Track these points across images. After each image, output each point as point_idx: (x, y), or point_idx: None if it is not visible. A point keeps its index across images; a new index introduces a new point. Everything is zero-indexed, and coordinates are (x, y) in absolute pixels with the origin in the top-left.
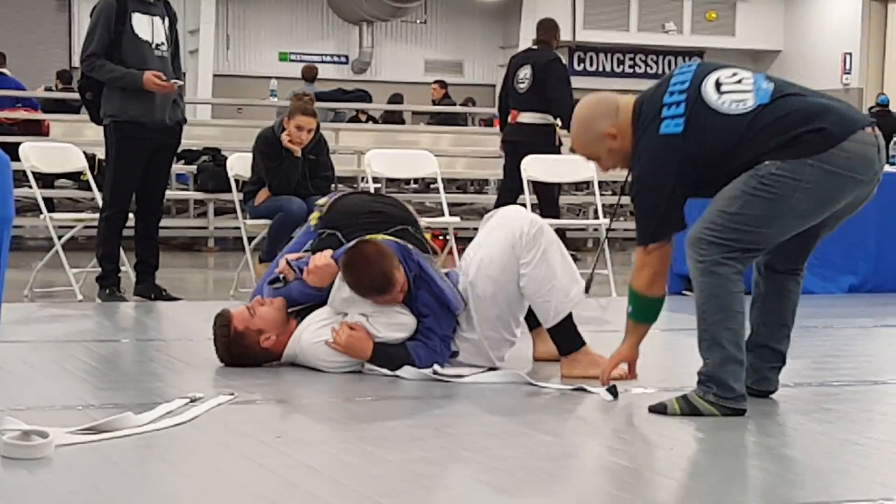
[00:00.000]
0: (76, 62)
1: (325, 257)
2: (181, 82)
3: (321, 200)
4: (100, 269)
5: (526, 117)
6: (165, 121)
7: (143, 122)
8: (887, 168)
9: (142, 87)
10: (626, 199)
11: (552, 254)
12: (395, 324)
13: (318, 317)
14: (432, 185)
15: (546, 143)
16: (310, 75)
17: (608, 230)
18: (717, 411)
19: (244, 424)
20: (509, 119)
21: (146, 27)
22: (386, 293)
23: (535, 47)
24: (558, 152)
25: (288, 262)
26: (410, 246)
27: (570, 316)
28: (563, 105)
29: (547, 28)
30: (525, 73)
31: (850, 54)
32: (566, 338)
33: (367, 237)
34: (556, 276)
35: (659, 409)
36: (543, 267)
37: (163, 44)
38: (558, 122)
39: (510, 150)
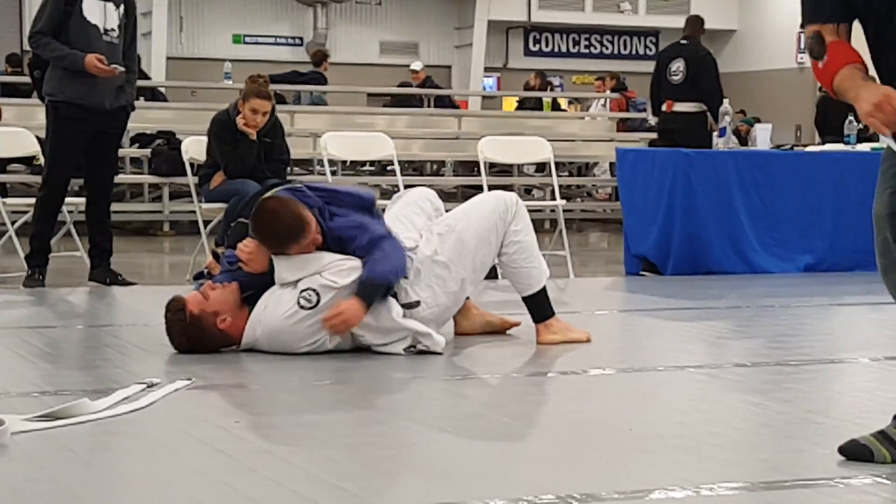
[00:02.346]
0: (27, 45)
1: (248, 244)
2: (122, 67)
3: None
4: (30, 248)
5: (680, 106)
6: (105, 105)
7: (80, 104)
8: (842, 147)
9: (83, 69)
10: (582, 181)
11: (531, 229)
12: (345, 269)
13: (272, 297)
14: (389, 168)
15: (699, 129)
16: (316, 59)
17: (565, 211)
18: None
19: (202, 410)
20: (664, 108)
21: (97, 12)
22: (302, 236)
23: (685, 42)
24: (710, 139)
25: (214, 254)
26: (304, 183)
27: (544, 286)
28: (714, 96)
29: (693, 24)
30: (678, 66)
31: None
32: (543, 306)
33: (267, 196)
34: (536, 247)
35: (859, 455)
36: (528, 237)
37: (113, 30)
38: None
39: (665, 136)
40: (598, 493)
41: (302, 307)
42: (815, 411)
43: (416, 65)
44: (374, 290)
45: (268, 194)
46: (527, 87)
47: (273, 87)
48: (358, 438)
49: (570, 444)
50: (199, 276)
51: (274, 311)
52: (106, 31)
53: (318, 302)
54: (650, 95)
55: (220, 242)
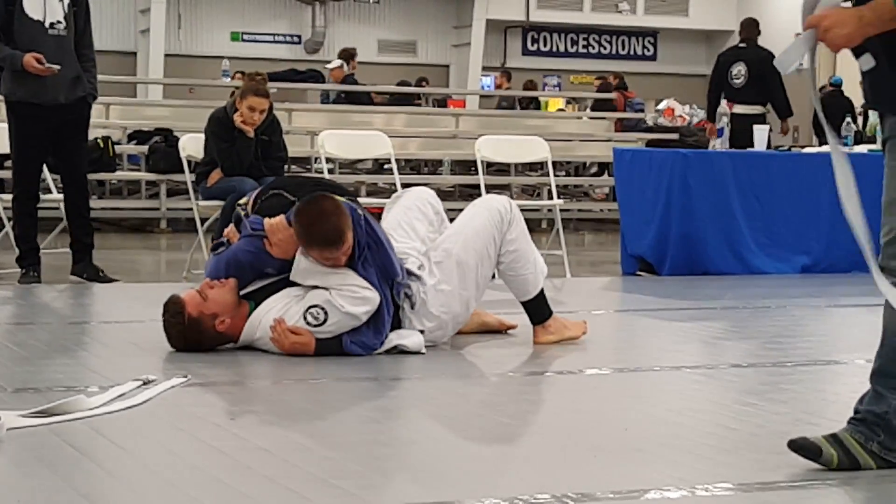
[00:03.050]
0: None
1: (283, 229)
2: (57, 67)
3: (242, 200)
4: (18, 251)
5: (741, 108)
6: (60, 99)
7: (34, 103)
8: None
9: (22, 69)
10: (580, 181)
11: (526, 233)
12: (358, 298)
13: (278, 304)
14: (385, 166)
15: (783, 130)
16: (343, 56)
17: (562, 211)
18: (874, 464)
19: (198, 407)
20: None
21: (37, 6)
22: (334, 247)
23: (743, 45)
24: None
25: (237, 223)
26: (364, 212)
27: (541, 289)
28: (779, 96)
29: (749, 27)
30: (739, 69)
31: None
32: (540, 308)
33: (325, 194)
34: (533, 251)
35: (807, 452)
36: (524, 243)
37: (59, 22)
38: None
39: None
40: (594, 492)
41: (308, 323)
42: (811, 412)
43: (335, 62)
44: (334, 352)
45: (332, 196)
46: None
47: (273, 84)
48: (355, 437)
49: (565, 443)
50: (217, 247)
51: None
52: (52, 24)
53: (325, 321)
54: (708, 99)
55: (217, 237)
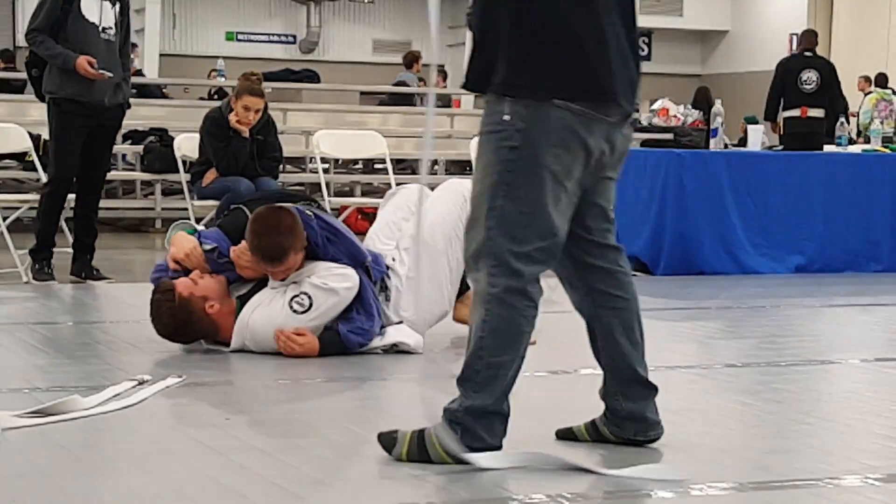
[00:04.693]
0: (21, 41)
1: (242, 246)
2: (110, 74)
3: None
4: (35, 242)
5: (814, 112)
6: (104, 102)
7: (80, 101)
8: (833, 149)
9: (74, 70)
10: None
11: None
12: (337, 274)
13: (261, 301)
14: (378, 166)
15: (822, 132)
16: (407, 61)
17: None
18: (449, 459)
19: (193, 407)
20: (798, 114)
21: (94, 9)
22: (272, 264)
23: (809, 54)
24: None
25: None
26: (315, 211)
27: None
28: (841, 102)
29: (810, 37)
30: (809, 75)
31: (797, 35)
32: None
33: (276, 204)
34: None
35: (386, 444)
36: None
37: (111, 28)
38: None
39: (797, 139)
40: (588, 492)
41: (295, 311)
42: (805, 412)
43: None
44: (337, 348)
45: (288, 210)
46: None
47: (268, 84)
48: (349, 436)
49: (559, 443)
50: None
51: (265, 317)
52: (104, 29)
53: (310, 306)
54: (769, 100)
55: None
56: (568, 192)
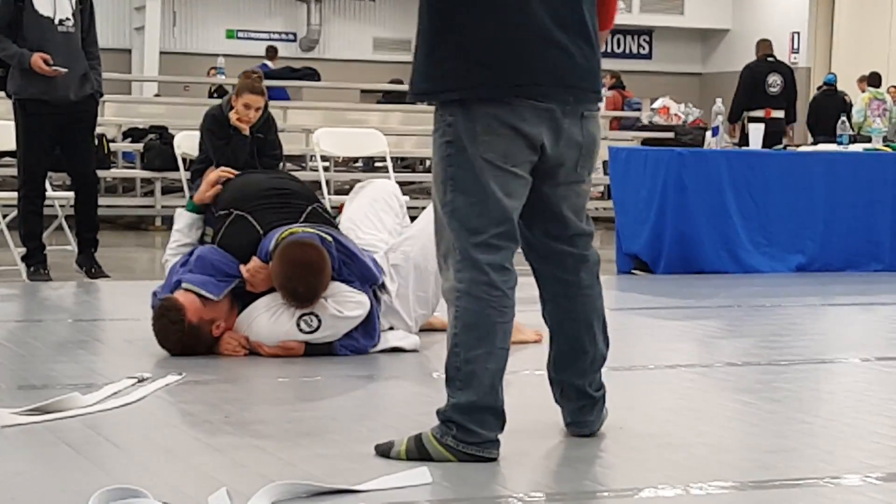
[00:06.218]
0: None
1: (258, 267)
2: (64, 69)
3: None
4: (24, 249)
5: (777, 114)
6: (70, 97)
7: (44, 100)
8: (833, 147)
9: (30, 68)
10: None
11: None
12: (353, 302)
13: (267, 305)
14: (378, 164)
15: (782, 132)
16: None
17: None
18: (453, 457)
19: (192, 405)
20: (762, 114)
21: (47, 3)
22: (301, 304)
23: (771, 59)
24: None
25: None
26: (331, 236)
27: None
28: (794, 106)
29: (767, 45)
30: (775, 79)
31: (798, 33)
32: None
33: (301, 238)
34: None
35: (383, 451)
36: None
37: (68, 19)
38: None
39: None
40: (589, 491)
41: (302, 330)
42: (805, 411)
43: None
44: (325, 351)
45: (304, 238)
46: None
47: (269, 82)
48: (350, 435)
49: (559, 442)
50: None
51: (267, 327)
52: (60, 21)
53: (318, 327)
54: (735, 104)
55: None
56: (518, 176)
